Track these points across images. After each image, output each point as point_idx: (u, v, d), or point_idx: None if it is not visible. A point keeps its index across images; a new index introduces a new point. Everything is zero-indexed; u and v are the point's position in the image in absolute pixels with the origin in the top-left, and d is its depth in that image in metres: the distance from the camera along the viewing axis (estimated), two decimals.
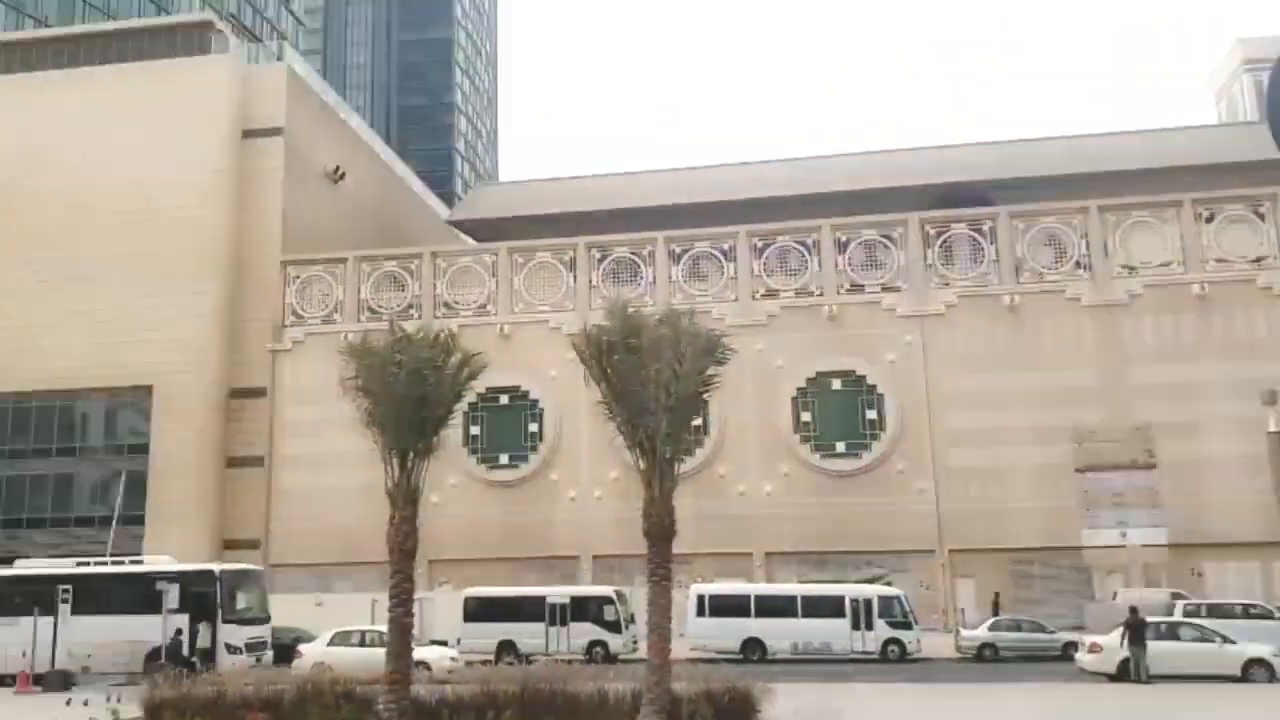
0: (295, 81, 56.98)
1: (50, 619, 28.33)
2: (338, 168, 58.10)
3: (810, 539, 45.45)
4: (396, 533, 18.65)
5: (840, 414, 46.48)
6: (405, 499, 18.68)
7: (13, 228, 52.53)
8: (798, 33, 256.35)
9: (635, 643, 32.78)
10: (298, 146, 55.12)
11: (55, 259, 51.71)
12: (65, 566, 31.46)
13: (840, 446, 46.28)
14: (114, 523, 43.99)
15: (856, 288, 48.20)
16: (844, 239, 48.94)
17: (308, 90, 58.89)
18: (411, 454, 18.61)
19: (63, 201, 52.31)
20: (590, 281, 50.36)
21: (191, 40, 57.00)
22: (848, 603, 34.30)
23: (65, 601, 28.72)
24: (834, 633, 33.94)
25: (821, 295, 48.10)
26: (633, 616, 34.09)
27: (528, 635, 34.34)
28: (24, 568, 32.01)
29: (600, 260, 50.85)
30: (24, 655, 27.75)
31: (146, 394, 50.54)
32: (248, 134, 53.99)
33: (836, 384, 47.02)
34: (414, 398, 18.08)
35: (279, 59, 60.17)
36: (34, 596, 28.98)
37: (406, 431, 18.33)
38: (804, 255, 49.03)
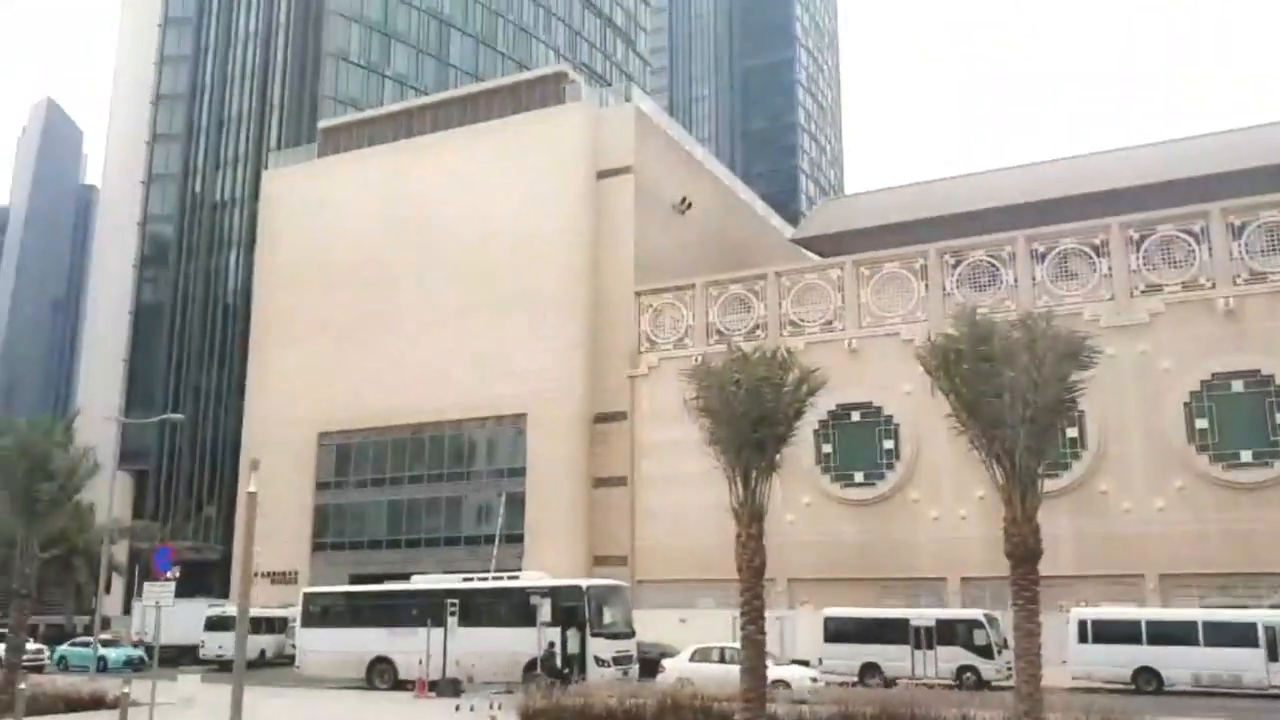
0: (642, 120, 59.40)
1: (441, 630, 30.89)
2: (684, 198, 59.81)
3: (1211, 560, 40.43)
4: (744, 550, 18.57)
5: (1244, 419, 41.03)
6: (750, 517, 18.56)
7: (407, 276, 58.66)
8: (1134, 19, 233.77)
9: (1010, 669, 30.65)
10: (646, 182, 57.36)
11: (442, 302, 57.16)
12: (453, 582, 34.26)
13: (1246, 456, 40.84)
14: (496, 541, 47.61)
15: (1257, 277, 42.53)
16: (1239, 223, 43.40)
17: (653, 127, 61.20)
18: (754, 472, 18.45)
19: (446, 249, 57.82)
20: (944, 289, 48.18)
21: (548, 91, 61.10)
22: (1261, 630, 30.15)
23: (453, 614, 31.21)
24: (1245, 664, 29.94)
25: (1214, 288, 42.88)
26: (1006, 641, 31.98)
27: (892, 658, 33.20)
28: (419, 583, 35.22)
29: (954, 266, 48.53)
30: (420, 663, 30.44)
31: (522, 421, 54.48)
32: (602, 174, 56.94)
33: (1238, 385, 41.59)
34: (753, 416, 17.94)
35: (627, 100, 63.20)
36: (427, 610, 31.76)
37: (748, 450, 18.21)
38: (1190, 245, 43.96)
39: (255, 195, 70.36)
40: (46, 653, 45.53)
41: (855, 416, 48.09)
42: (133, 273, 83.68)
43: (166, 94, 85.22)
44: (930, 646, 33.17)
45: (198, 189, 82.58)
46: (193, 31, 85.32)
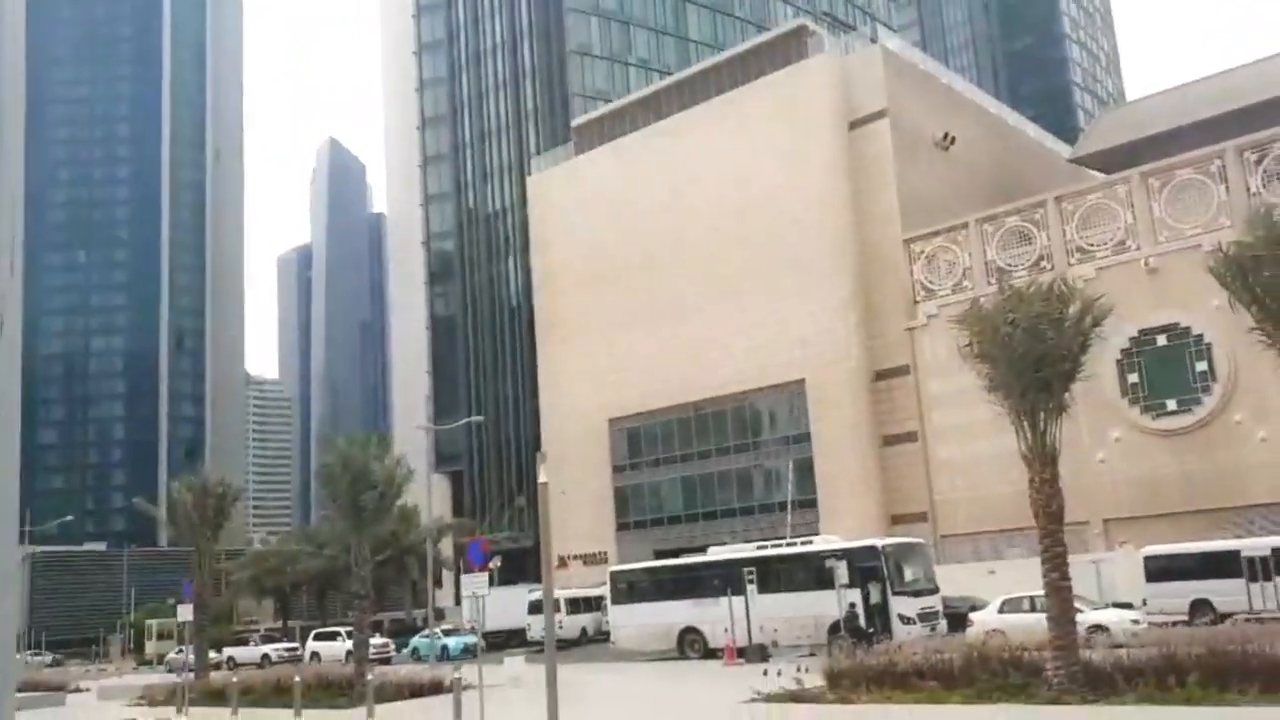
0: (891, 60, 57.22)
1: (742, 598, 31.33)
2: (946, 134, 57.12)
3: None
4: (1039, 495, 17.61)
5: None
6: (1043, 461, 17.52)
7: (675, 257, 59.67)
8: None
9: None
10: (903, 123, 55.25)
11: (710, 278, 57.71)
12: (749, 551, 34.63)
13: None
14: (789, 508, 47.65)
15: None
16: None
17: (905, 65, 58.82)
18: (1042, 414, 17.38)
19: (709, 225, 58.29)
20: (1248, 189, 43.40)
21: (791, 49, 60.08)
22: None
23: (751, 582, 31.57)
24: None
25: None
26: None
27: (1224, 593, 30.39)
28: (716, 554, 35.88)
29: (1257, 163, 43.62)
30: (725, 631, 31.04)
31: (800, 387, 54.15)
32: (854, 124, 55.41)
33: None
34: (1033, 356, 16.87)
35: (873, 41, 61.11)
36: (726, 579, 32.29)
37: (1032, 392, 17.16)
38: None
39: (523, 201, 73.87)
40: (392, 646, 49.95)
41: (1161, 340, 44.32)
42: (424, 289, 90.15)
43: (430, 116, 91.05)
44: (1268, 578, 30.11)
45: (470, 203, 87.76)
46: (445, 53, 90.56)
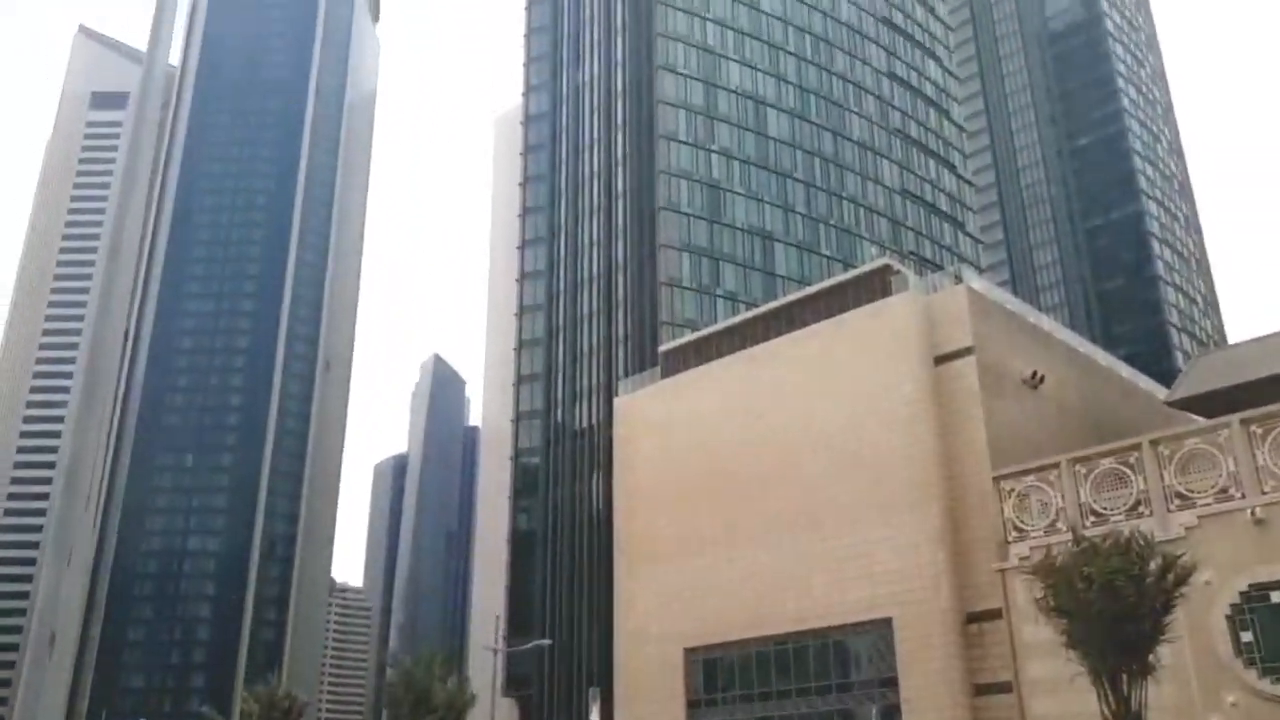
0: (976, 299, 57.61)
1: None
2: (1035, 372, 56.62)
3: None
4: None
5: None
6: None
7: (756, 484, 59.05)
8: None
9: None
10: (989, 361, 55.03)
11: (792, 507, 56.75)
12: None
13: None
14: None
15: None
16: None
17: (990, 304, 59.15)
18: (1125, 675, 16.23)
19: (790, 453, 57.85)
20: None
21: (875, 286, 61.05)
22: None
23: None
24: None
25: None
26: None
27: None
28: None
29: None
30: None
31: (887, 627, 51.88)
32: (940, 359, 55.33)
33: None
34: (1111, 614, 15.93)
35: (958, 281, 61.85)
36: None
37: (1113, 651, 16.11)
38: None
39: (609, 421, 74.82)
40: None
41: (1275, 597, 41.53)
42: (508, 503, 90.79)
43: (528, 339, 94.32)
44: None
45: (559, 420, 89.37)
46: (545, 281, 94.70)
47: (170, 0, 10.42)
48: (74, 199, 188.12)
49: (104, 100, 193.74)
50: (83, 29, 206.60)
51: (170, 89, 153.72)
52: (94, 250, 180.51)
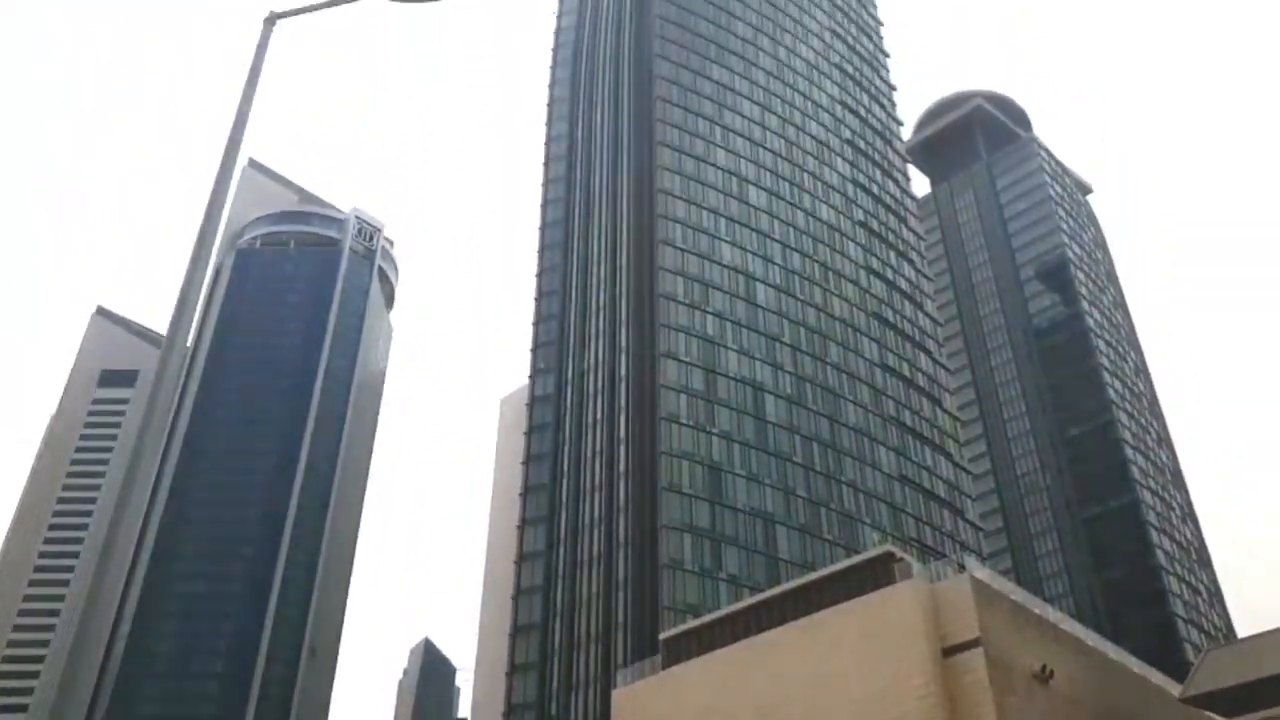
0: (981, 589, 56.85)
1: None
2: (1044, 666, 54.99)
3: None
4: None
5: None
6: None
7: None
8: None
9: None
10: (997, 653, 53.57)
11: None
12: None
13: None
14: None
15: None
16: None
17: (995, 594, 58.33)
18: None
19: None
20: None
21: (878, 573, 60.41)
22: None
23: None
24: None
25: None
26: None
27: None
28: None
29: None
30: None
31: None
32: (947, 651, 53.90)
33: None
34: None
35: (961, 569, 61.23)
36: None
37: None
38: None
39: (605, 713, 71.61)
40: None
41: None
42: None
43: (524, 624, 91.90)
44: None
45: (552, 713, 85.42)
46: (544, 562, 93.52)
47: (194, 293, 10.95)
48: (70, 474, 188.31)
49: (112, 378, 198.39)
50: (100, 310, 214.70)
51: (180, 367, 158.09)
52: (84, 528, 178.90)
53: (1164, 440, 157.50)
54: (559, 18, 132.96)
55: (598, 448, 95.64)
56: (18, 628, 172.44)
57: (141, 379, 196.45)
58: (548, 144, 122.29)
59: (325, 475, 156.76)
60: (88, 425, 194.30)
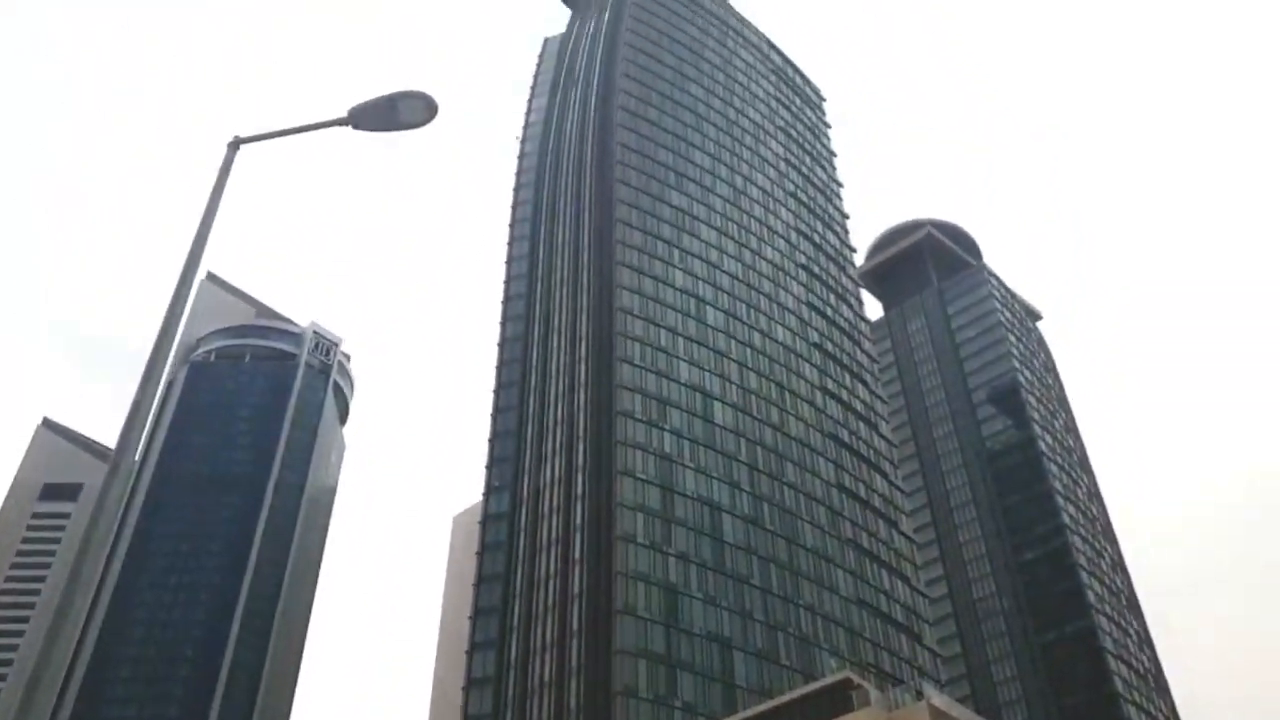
0: (939, 717, 56.14)
1: None
2: None
3: None
4: None
5: None
6: None
7: None
8: None
9: None
10: None
11: None
12: None
13: None
14: None
15: None
16: None
17: None
18: None
19: None
20: None
21: (836, 701, 59.53)
22: None
23: None
24: None
25: None
26: None
27: None
28: None
29: None
30: None
31: None
32: None
33: None
34: None
35: (919, 697, 60.40)
36: None
37: None
38: None
39: None
40: None
41: None
42: None
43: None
44: None
45: None
46: (492, 690, 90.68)
47: (145, 409, 10.79)
48: (3, 591, 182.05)
49: (54, 491, 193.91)
50: (46, 422, 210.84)
51: (127, 482, 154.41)
52: (13, 648, 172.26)
53: (1118, 565, 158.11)
54: (523, 142, 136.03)
55: (552, 569, 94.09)
56: None
57: (85, 493, 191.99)
58: (509, 262, 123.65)
59: (271, 594, 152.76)
60: (26, 540, 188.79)
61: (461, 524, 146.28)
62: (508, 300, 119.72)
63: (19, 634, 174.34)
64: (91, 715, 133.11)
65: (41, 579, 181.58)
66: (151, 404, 10.65)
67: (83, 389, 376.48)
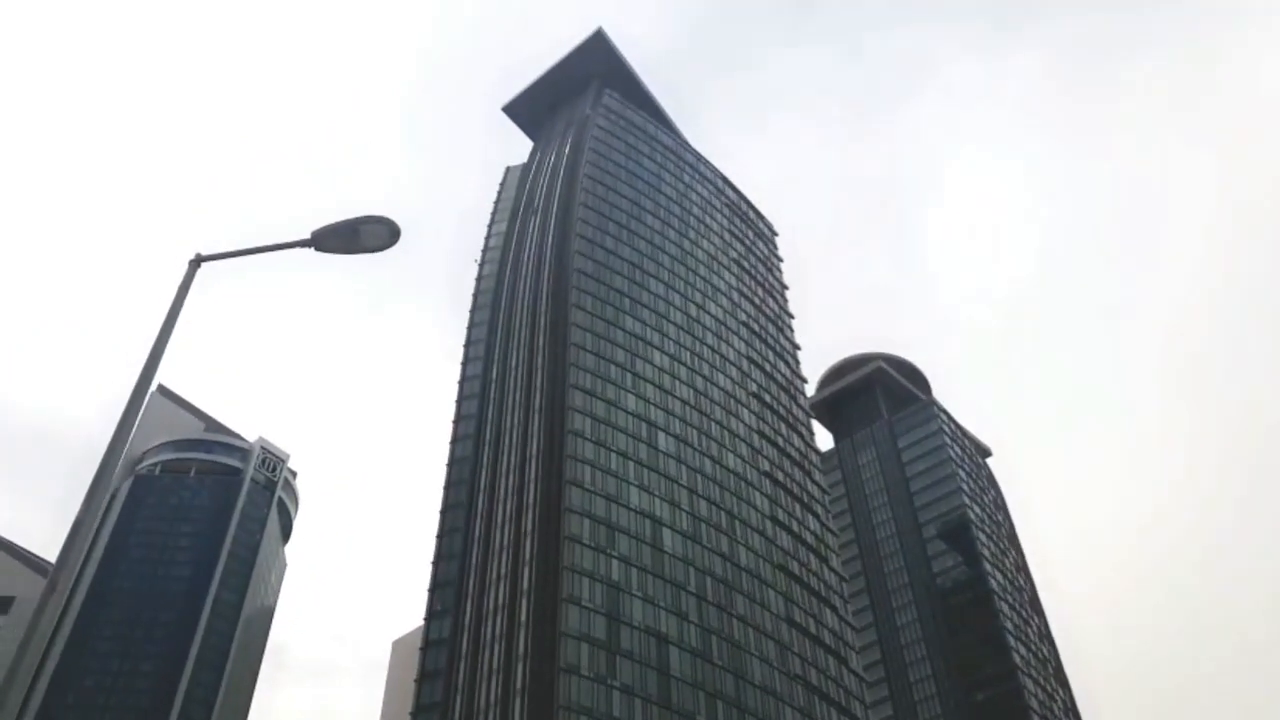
0: None
1: None
2: None
3: None
4: None
5: None
6: None
7: None
8: None
9: None
10: None
11: None
12: None
13: None
14: None
15: None
16: None
17: None
18: None
19: None
20: None
21: None
22: None
23: None
24: None
25: None
26: None
27: None
28: None
29: None
30: None
31: None
32: None
33: None
34: None
35: None
36: None
37: None
38: None
39: None
40: None
41: None
42: None
43: None
44: None
45: None
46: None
47: (88, 524, 10.84)
48: None
49: None
50: None
51: (62, 598, 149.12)
52: None
53: (1070, 709, 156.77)
54: (481, 265, 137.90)
55: (492, 698, 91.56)
56: None
57: (17, 606, 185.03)
58: (462, 382, 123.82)
59: (203, 715, 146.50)
60: None
61: (401, 648, 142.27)
62: (458, 420, 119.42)
63: None
64: None
65: None
66: (95, 520, 10.73)
67: (18, 498, 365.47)
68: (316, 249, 13.47)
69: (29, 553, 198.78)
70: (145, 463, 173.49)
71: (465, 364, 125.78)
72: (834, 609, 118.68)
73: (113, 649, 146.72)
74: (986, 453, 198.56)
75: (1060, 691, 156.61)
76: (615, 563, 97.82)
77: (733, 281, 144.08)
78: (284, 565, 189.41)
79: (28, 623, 11.13)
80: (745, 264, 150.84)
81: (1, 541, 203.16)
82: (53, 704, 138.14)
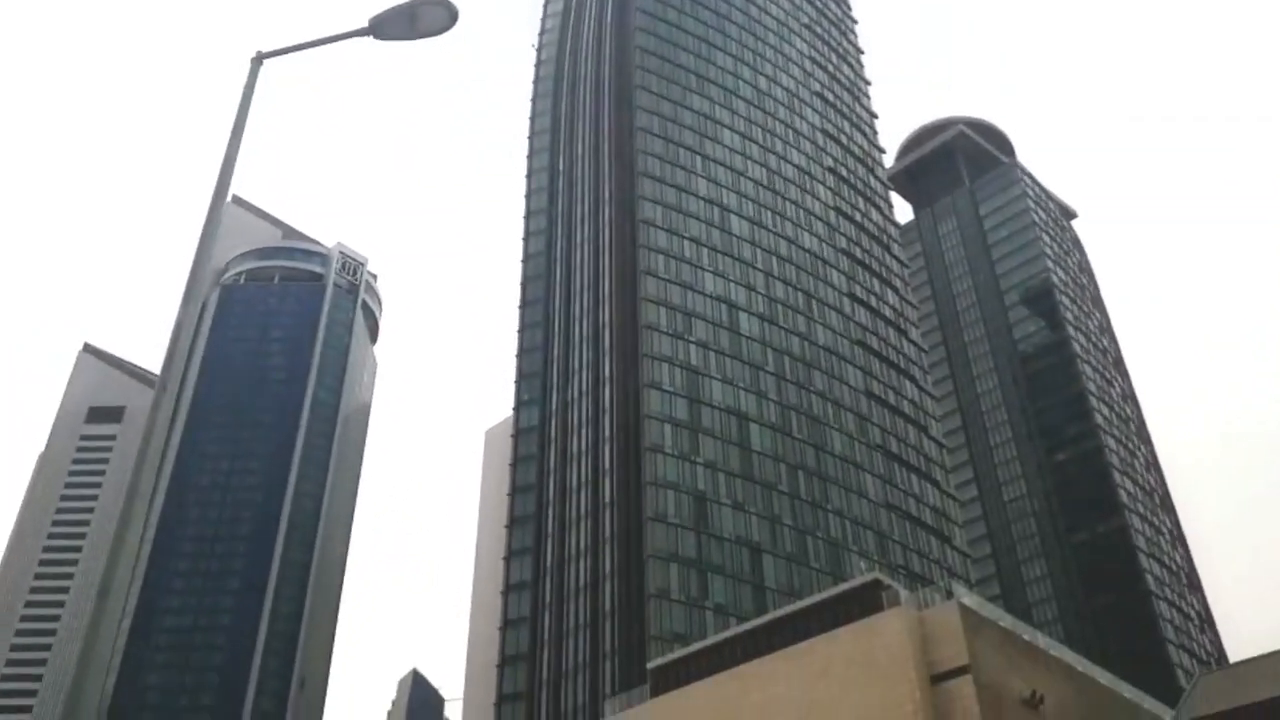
0: (970, 616, 56.77)
1: None
2: (1034, 693, 54.93)
3: None
4: None
5: None
6: None
7: None
8: None
9: None
10: (987, 680, 53.53)
11: None
12: None
13: None
14: None
15: None
16: None
17: (984, 621, 58.25)
18: None
19: None
20: None
21: (867, 600, 60.38)
22: None
23: None
24: None
25: None
26: None
27: None
28: None
29: None
30: None
31: None
32: (936, 678, 53.84)
33: None
34: None
35: (949, 596, 61.20)
36: None
37: None
38: None
39: None
40: None
41: None
42: None
43: (511, 654, 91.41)
44: None
45: None
46: (530, 594, 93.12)
47: (186, 330, 11.10)
48: (59, 510, 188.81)
49: (99, 414, 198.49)
50: (87, 347, 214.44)
51: (173, 399, 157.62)
52: (73, 564, 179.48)
53: (1152, 464, 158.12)
54: (539, 50, 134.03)
55: (583, 478, 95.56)
56: (10, 662, 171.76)
57: (128, 414, 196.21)
58: (529, 176, 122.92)
59: (312, 508, 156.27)
60: (76, 461, 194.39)
61: (494, 438, 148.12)
62: (529, 215, 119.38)
63: (76, 549, 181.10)
64: (149, 622, 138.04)
65: (94, 496, 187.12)
66: (193, 322, 11.00)
67: (119, 315, 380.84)
68: (375, 37, 13.06)
69: (135, 365, 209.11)
70: (230, 273, 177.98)
71: (530, 156, 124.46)
72: (913, 380, 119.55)
73: (222, 451, 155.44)
74: (1072, 214, 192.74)
75: (1143, 448, 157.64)
76: (694, 347, 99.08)
77: (804, 48, 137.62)
78: (375, 365, 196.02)
79: (142, 428, 11.63)
80: (818, 29, 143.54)
81: (109, 358, 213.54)
82: (172, 501, 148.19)
